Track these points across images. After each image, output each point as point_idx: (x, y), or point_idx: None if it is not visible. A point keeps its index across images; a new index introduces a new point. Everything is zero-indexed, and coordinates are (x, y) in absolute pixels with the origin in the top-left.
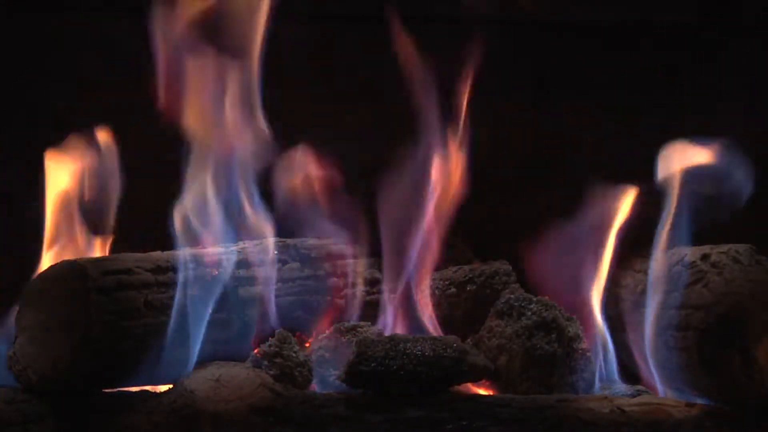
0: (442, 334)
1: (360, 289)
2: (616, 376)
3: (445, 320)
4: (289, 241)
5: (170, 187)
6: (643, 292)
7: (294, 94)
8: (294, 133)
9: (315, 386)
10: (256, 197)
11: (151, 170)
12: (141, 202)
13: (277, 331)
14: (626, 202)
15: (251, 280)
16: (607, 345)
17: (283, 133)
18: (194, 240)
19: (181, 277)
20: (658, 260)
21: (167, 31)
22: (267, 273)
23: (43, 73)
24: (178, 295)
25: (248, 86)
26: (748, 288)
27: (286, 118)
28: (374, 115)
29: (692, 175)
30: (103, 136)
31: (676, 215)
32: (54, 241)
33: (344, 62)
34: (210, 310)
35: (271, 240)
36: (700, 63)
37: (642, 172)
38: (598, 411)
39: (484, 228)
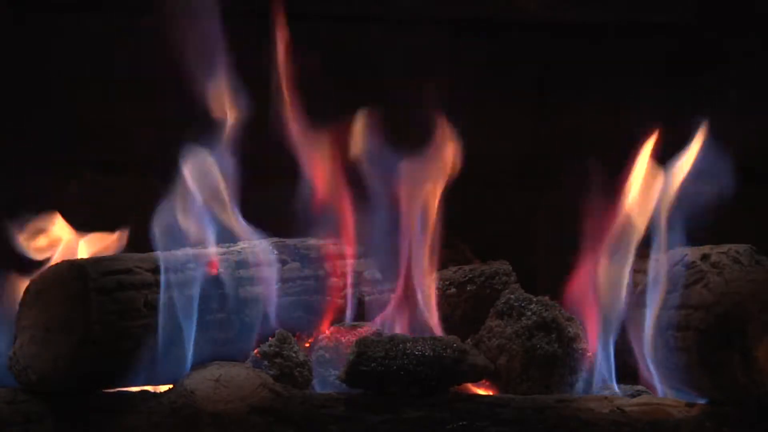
0: (442, 334)
1: (360, 289)
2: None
3: (445, 320)
4: (289, 241)
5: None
6: (643, 292)
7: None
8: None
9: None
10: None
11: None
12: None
13: (277, 331)
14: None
15: (251, 280)
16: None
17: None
18: (196, 240)
19: (176, 277)
20: (658, 260)
21: None
22: (267, 273)
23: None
24: (166, 295)
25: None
26: (748, 288)
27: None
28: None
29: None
30: None
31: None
32: None
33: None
34: (196, 310)
35: (271, 240)
36: (700, 63)
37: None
38: (598, 411)
39: (484, 228)
